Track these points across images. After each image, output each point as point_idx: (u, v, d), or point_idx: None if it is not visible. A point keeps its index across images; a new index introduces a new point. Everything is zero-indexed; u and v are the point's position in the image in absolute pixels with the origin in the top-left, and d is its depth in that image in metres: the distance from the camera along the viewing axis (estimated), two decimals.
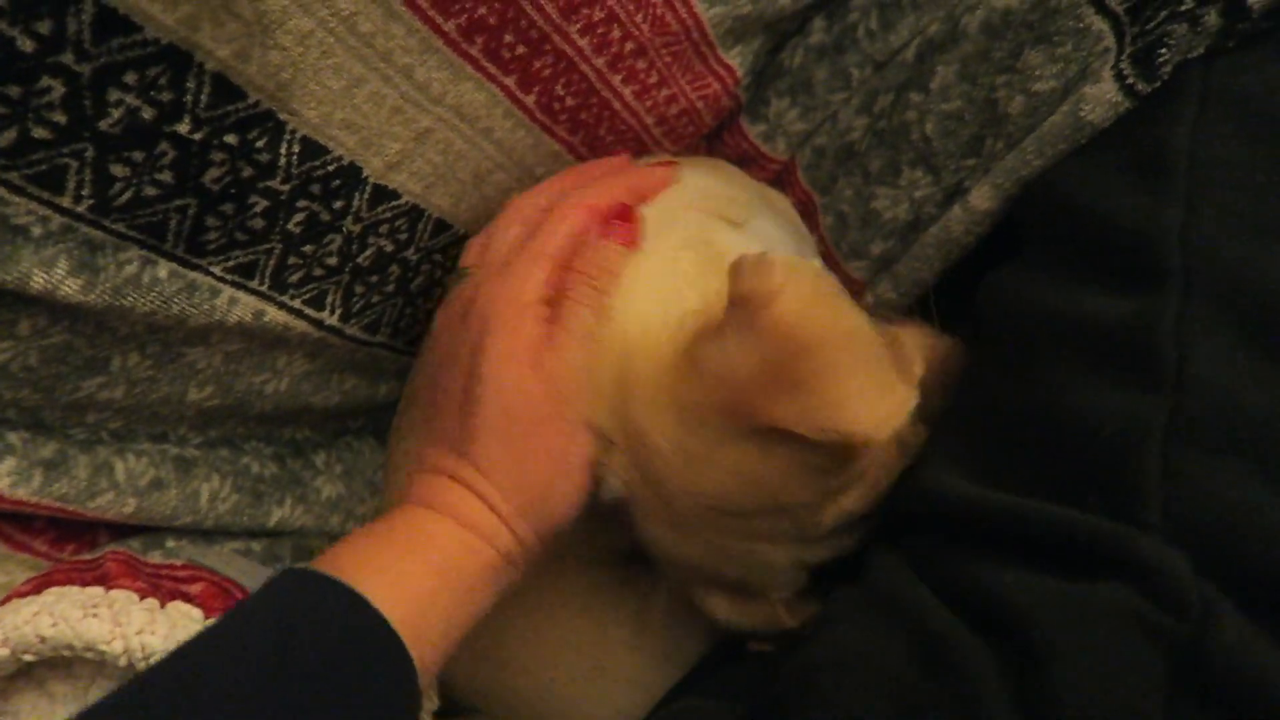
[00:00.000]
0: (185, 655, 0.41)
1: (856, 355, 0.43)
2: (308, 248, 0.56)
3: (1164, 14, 0.47)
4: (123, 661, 0.52)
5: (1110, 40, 0.50)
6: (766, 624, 0.54)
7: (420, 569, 0.47)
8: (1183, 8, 0.46)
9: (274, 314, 0.58)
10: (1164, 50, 0.47)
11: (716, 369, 0.45)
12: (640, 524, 0.52)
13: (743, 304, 0.44)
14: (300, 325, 0.60)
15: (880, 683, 0.38)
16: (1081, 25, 0.50)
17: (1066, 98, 0.52)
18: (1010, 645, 0.35)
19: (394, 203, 0.58)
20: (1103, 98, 0.49)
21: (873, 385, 0.42)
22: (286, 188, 0.52)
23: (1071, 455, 0.39)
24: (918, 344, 0.50)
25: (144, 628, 0.52)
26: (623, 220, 0.56)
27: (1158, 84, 0.47)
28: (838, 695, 0.39)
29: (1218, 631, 0.32)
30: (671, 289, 0.53)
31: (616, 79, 0.60)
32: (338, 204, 0.55)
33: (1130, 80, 0.48)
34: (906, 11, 0.62)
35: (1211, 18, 0.45)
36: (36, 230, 0.46)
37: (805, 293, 0.43)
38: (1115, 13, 0.49)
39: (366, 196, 0.56)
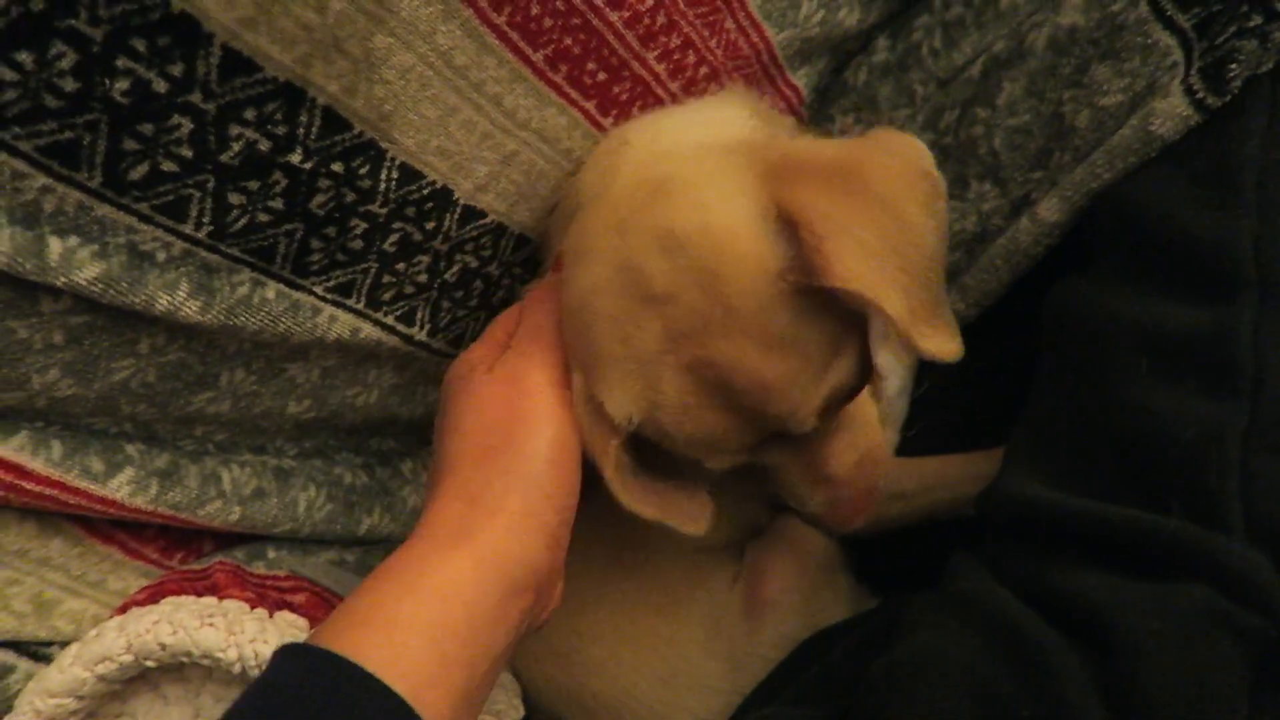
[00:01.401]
0: None
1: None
2: (400, 266, 0.59)
3: (1232, 29, 0.48)
4: (237, 668, 0.55)
5: (1178, 55, 0.51)
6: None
7: (449, 627, 0.44)
8: (1251, 24, 0.48)
9: (369, 330, 0.61)
10: (1234, 65, 0.48)
11: None
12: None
13: None
14: (392, 340, 0.63)
15: (965, 681, 0.39)
16: (1149, 41, 0.52)
17: (1134, 112, 0.53)
18: (1093, 643, 0.36)
19: (480, 221, 0.61)
20: (1173, 111, 0.50)
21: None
22: (384, 211, 0.55)
23: (1150, 460, 0.40)
24: None
25: (256, 636, 0.55)
26: None
27: (1228, 98, 0.48)
28: (923, 694, 0.40)
29: None
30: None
31: None
32: (429, 224, 0.58)
33: (1200, 94, 0.49)
34: (970, 30, 0.64)
35: None
36: (161, 255, 0.50)
37: None
38: (1183, 29, 0.50)
39: (456, 217, 0.59)
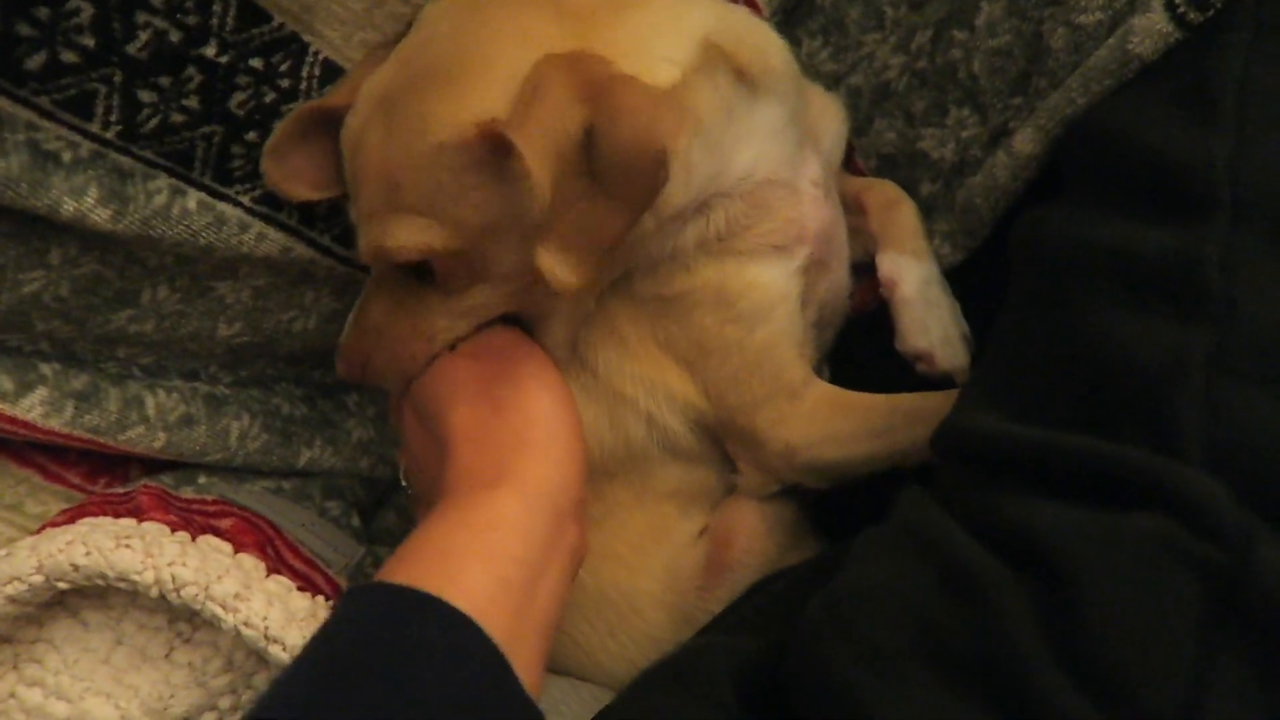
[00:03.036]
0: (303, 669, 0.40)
1: None
2: None
3: None
4: (154, 592, 0.52)
5: None
6: None
7: (478, 541, 0.45)
8: None
9: (301, 250, 0.58)
10: None
11: None
12: None
13: None
14: (327, 262, 0.60)
15: (905, 613, 0.38)
16: None
17: (1113, 31, 0.50)
18: (1041, 576, 0.34)
19: None
20: (1152, 29, 0.47)
21: None
22: None
23: (1112, 388, 0.38)
24: None
25: (175, 559, 0.53)
26: None
27: (1209, 13, 0.45)
28: (863, 626, 0.38)
29: (1258, 559, 0.31)
30: None
31: None
32: None
33: (1181, 9, 0.46)
34: None
35: None
36: (67, 156, 0.46)
37: None
38: None
39: None
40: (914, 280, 0.60)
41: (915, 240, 0.62)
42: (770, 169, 0.57)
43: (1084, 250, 0.42)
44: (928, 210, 0.63)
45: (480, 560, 0.44)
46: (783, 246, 0.58)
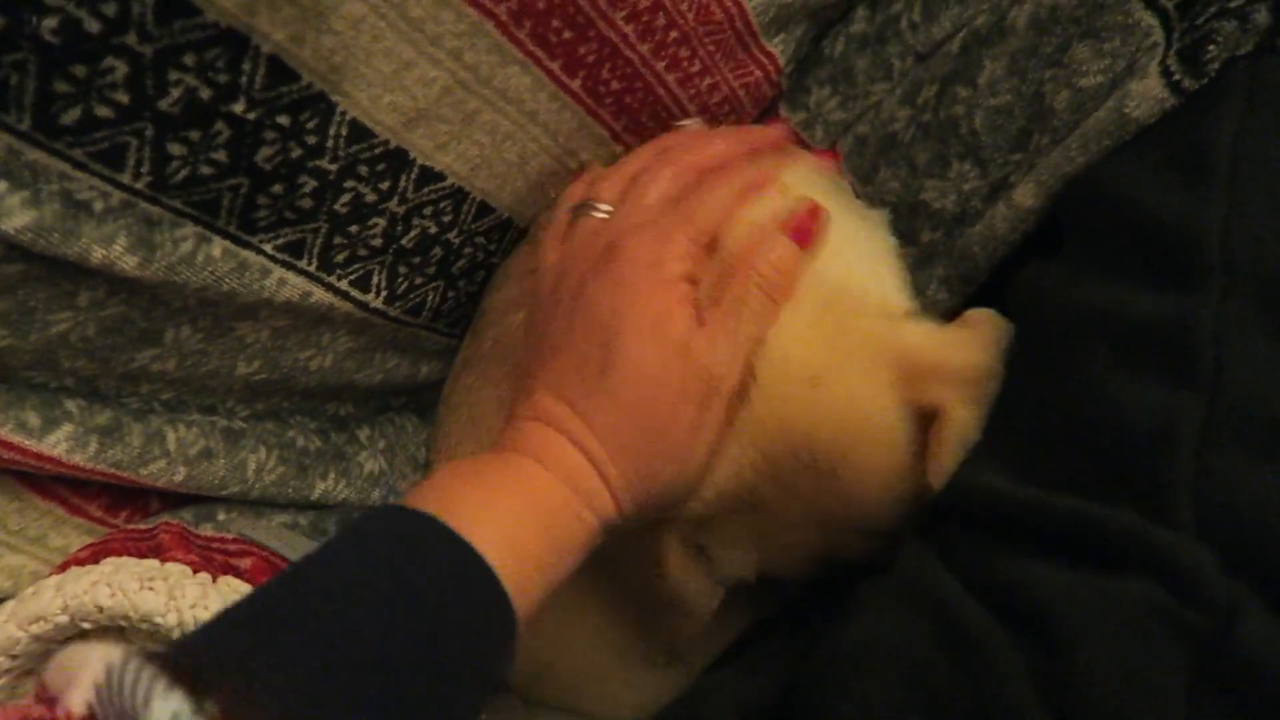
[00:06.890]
0: (303, 579, 0.41)
1: None
2: (353, 228, 0.58)
3: (1213, 10, 0.47)
4: (176, 634, 0.54)
5: (1159, 35, 0.49)
6: (696, 599, 0.55)
7: (525, 522, 0.44)
8: (1232, 4, 0.46)
9: (320, 295, 0.59)
10: (1212, 47, 0.46)
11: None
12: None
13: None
14: (345, 306, 0.61)
15: (903, 670, 0.39)
16: (1130, 20, 0.50)
17: (1112, 93, 0.52)
18: (1035, 637, 0.36)
19: (439, 184, 0.59)
20: (1148, 94, 0.49)
21: None
22: (334, 168, 0.54)
23: (1105, 451, 0.39)
24: None
25: (197, 602, 0.54)
26: (808, 220, 0.57)
27: (1204, 81, 0.47)
28: (860, 682, 0.39)
29: (1242, 627, 0.33)
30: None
31: (660, 65, 0.61)
32: (384, 185, 0.56)
33: (1176, 77, 0.48)
34: (950, 4, 0.62)
35: (1261, 15, 0.45)
36: (98, 206, 0.48)
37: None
38: (1164, 8, 0.49)
39: (413, 177, 0.57)
40: None
41: None
42: None
43: (1080, 312, 0.44)
44: (927, 257, 0.65)
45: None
46: None
